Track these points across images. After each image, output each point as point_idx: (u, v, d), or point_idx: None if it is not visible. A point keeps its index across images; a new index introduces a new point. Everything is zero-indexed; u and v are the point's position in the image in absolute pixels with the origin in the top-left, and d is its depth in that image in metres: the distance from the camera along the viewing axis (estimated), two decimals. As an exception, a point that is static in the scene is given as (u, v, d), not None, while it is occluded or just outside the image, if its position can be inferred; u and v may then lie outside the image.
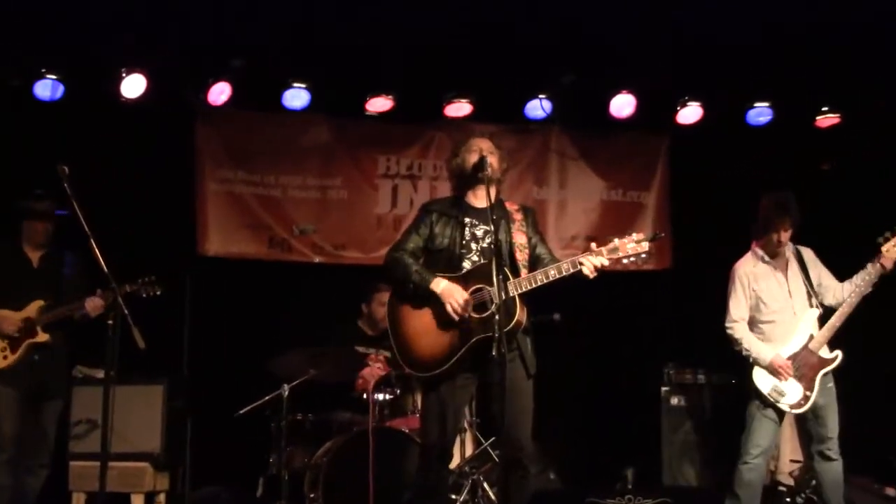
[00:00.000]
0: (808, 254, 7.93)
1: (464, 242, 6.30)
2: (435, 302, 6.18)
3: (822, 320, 7.73)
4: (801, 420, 7.84)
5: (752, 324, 7.87)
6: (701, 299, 8.31)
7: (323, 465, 8.05)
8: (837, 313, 7.66)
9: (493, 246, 6.06)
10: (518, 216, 6.44)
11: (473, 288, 6.10)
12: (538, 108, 10.33)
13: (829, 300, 7.81)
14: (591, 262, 6.04)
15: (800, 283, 7.81)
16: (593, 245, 6.12)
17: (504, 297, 5.84)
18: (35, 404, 7.75)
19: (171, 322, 9.37)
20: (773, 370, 7.63)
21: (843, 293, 7.75)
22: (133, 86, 9.40)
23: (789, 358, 7.64)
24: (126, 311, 6.40)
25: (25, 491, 7.76)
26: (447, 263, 6.26)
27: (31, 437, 7.75)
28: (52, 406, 7.88)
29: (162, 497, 8.89)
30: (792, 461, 9.01)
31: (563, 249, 10.40)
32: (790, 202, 7.70)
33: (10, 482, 7.68)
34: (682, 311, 10.14)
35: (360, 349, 8.67)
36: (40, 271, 7.94)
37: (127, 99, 9.43)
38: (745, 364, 7.75)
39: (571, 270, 6.06)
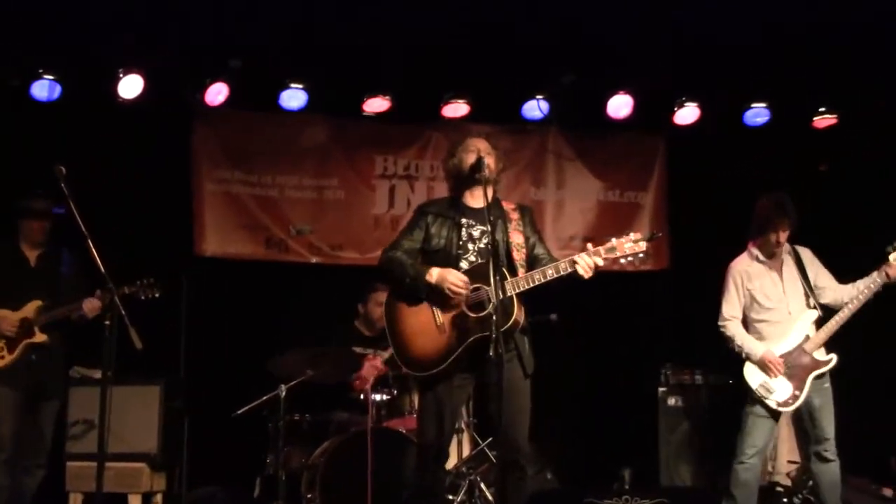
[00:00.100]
0: (805, 254, 7.93)
1: (460, 243, 6.30)
2: (432, 301, 6.18)
3: (821, 322, 7.74)
4: (797, 421, 7.84)
5: (748, 323, 7.87)
6: (698, 300, 8.31)
7: (320, 465, 8.05)
8: (836, 318, 7.67)
9: (490, 246, 6.06)
10: (515, 215, 6.44)
11: (471, 287, 6.10)
12: (535, 108, 10.32)
13: (826, 299, 7.81)
14: (586, 262, 6.05)
15: (796, 283, 7.81)
16: (589, 245, 6.12)
17: (501, 297, 5.84)
18: (32, 404, 7.76)
19: (168, 322, 9.36)
20: (764, 365, 7.64)
21: (843, 295, 7.75)
22: (130, 86, 9.39)
23: (782, 356, 7.64)
24: (123, 312, 6.40)
25: (22, 491, 7.78)
26: (444, 264, 6.24)
27: (29, 438, 7.76)
28: (50, 406, 7.89)
29: (159, 497, 8.88)
30: (789, 462, 9.03)
31: (560, 250, 10.39)
32: (788, 203, 7.70)
33: (7, 482, 7.69)
34: (679, 312, 10.15)
35: (358, 349, 8.67)
36: (38, 271, 7.95)
37: (124, 99, 9.42)
38: (740, 363, 7.76)
39: (569, 270, 6.06)
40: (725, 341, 7.85)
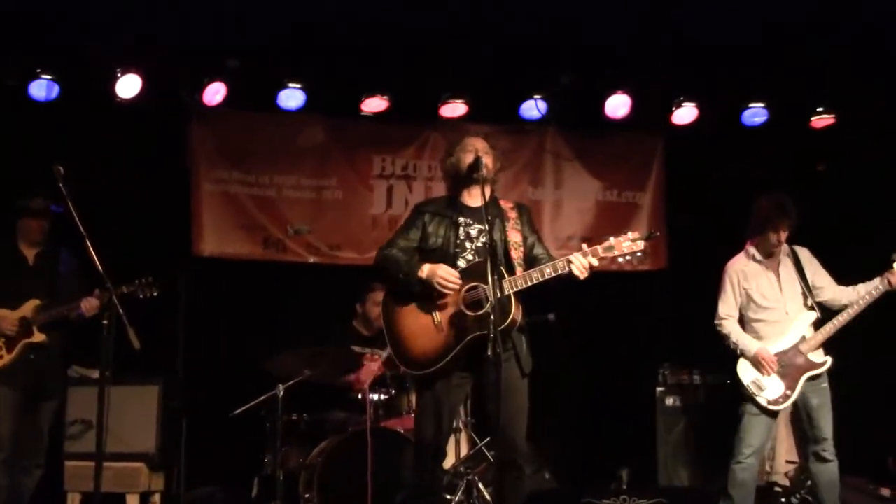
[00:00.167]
0: (804, 254, 7.93)
1: (458, 242, 6.30)
2: (430, 299, 6.18)
3: (819, 324, 7.74)
4: (796, 421, 7.85)
5: (745, 322, 7.88)
6: (696, 300, 8.31)
7: (318, 465, 8.06)
8: (834, 321, 7.68)
9: (487, 245, 6.05)
10: (513, 214, 6.44)
11: (469, 286, 6.10)
12: (533, 108, 10.32)
13: (824, 297, 7.82)
14: (581, 263, 6.06)
15: (794, 283, 7.82)
16: (584, 245, 6.12)
17: (499, 296, 5.85)
18: (31, 404, 7.75)
19: (166, 322, 9.36)
20: (757, 362, 7.65)
21: (841, 296, 7.77)
22: (128, 86, 9.39)
23: (777, 355, 7.65)
24: (121, 312, 6.41)
25: (21, 491, 7.76)
26: (441, 262, 6.24)
27: (27, 437, 7.75)
28: (48, 406, 7.88)
29: (157, 497, 8.89)
30: (787, 462, 9.03)
31: (558, 250, 10.37)
32: (788, 203, 7.71)
33: (6, 482, 7.68)
34: (677, 312, 10.15)
35: (356, 349, 8.67)
36: (36, 269, 7.93)
37: (122, 99, 9.42)
38: (736, 361, 7.77)
39: (567, 269, 6.07)
40: (721, 339, 7.87)
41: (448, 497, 8.08)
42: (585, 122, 10.69)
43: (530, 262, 6.31)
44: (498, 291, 5.85)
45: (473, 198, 6.37)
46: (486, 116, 10.09)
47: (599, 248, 6.12)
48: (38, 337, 7.72)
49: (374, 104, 10.13)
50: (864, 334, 7.94)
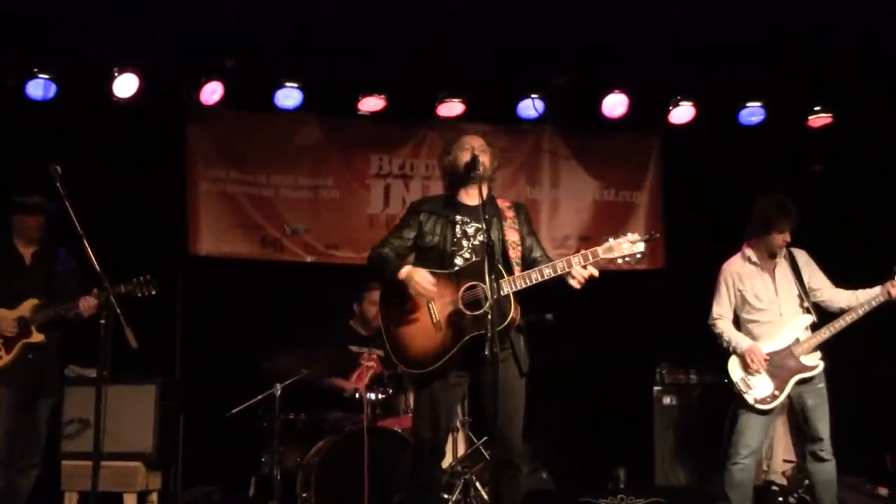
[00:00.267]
0: (801, 256, 7.94)
1: (454, 240, 6.29)
2: (428, 300, 6.16)
3: (814, 328, 7.75)
4: (793, 420, 7.86)
5: (740, 323, 7.91)
6: (694, 299, 8.31)
7: (315, 464, 8.06)
8: (830, 326, 7.68)
9: (484, 244, 6.05)
10: (510, 213, 6.44)
11: (467, 285, 6.09)
12: (530, 107, 10.32)
13: (820, 299, 7.84)
14: (579, 275, 6.08)
15: (790, 285, 7.83)
16: (578, 259, 6.10)
17: (497, 295, 5.84)
18: (29, 403, 7.74)
19: (164, 322, 9.38)
20: (747, 359, 7.65)
21: (838, 299, 7.78)
22: (125, 85, 9.38)
23: (769, 354, 7.67)
24: (118, 311, 6.40)
25: (17, 492, 7.75)
26: (439, 261, 6.25)
27: (24, 437, 7.73)
28: (45, 404, 7.87)
29: (154, 496, 8.87)
30: (785, 461, 9.03)
31: (555, 249, 10.42)
32: (789, 203, 7.73)
33: (2, 483, 7.67)
34: (674, 311, 10.14)
35: (354, 349, 8.67)
36: (33, 268, 7.91)
37: (119, 98, 9.41)
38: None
39: (567, 269, 6.07)
40: (715, 338, 7.90)
41: (445, 496, 8.08)
42: (583, 122, 10.69)
43: (529, 264, 6.30)
44: (496, 291, 5.84)
45: (471, 196, 6.35)
46: (484, 115, 10.09)
47: (599, 250, 6.11)
48: (37, 337, 7.70)
49: (371, 103, 10.13)
50: (863, 335, 7.93)
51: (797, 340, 7.69)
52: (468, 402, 8.35)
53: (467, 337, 6.04)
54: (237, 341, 9.72)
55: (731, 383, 7.72)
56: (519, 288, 6.09)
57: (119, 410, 8.15)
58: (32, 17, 8.56)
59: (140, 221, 9.63)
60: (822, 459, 7.64)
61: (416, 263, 6.36)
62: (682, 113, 10.35)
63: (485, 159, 6.28)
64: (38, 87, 9.29)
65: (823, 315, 7.81)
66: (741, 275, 7.89)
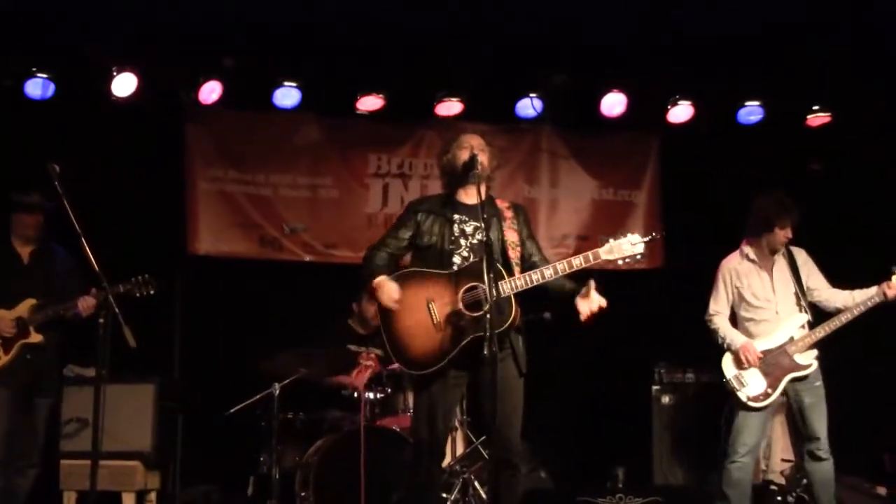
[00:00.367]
0: (800, 255, 7.95)
1: (452, 238, 6.28)
2: (429, 298, 6.15)
3: (810, 327, 7.75)
4: (791, 419, 7.86)
5: (737, 321, 7.92)
6: (692, 298, 8.30)
7: (313, 463, 8.06)
8: (825, 325, 7.68)
9: (483, 243, 6.04)
10: (509, 213, 6.43)
11: (467, 286, 6.08)
12: (529, 106, 10.32)
13: (817, 298, 7.85)
14: (588, 309, 6.21)
15: (787, 284, 7.83)
16: (586, 254, 6.12)
17: (497, 295, 5.84)
18: (27, 403, 7.72)
19: (162, 321, 9.38)
20: (741, 355, 7.66)
21: (835, 299, 7.79)
22: (124, 84, 9.38)
23: (763, 352, 7.67)
24: (117, 310, 6.40)
25: (16, 492, 7.73)
26: (436, 260, 6.25)
27: (23, 438, 7.72)
28: (44, 403, 7.85)
29: (153, 496, 8.89)
30: (783, 460, 9.04)
31: (554, 249, 10.43)
32: (789, 200, 7.73)
33: (1, 483, 7.66)
34: (673, 311, 10.14)
35: (352, 348, 8.67)
36: (31, 268, 7.89)
37: (118, 97, 9.41)
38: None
39: (568, 271, 6.10)
40: (711, 335, 7.90)
41: (444, 496, 8.07)
42: (581, 121, 10.69)
43: (528, 267, 6.28)
44: (495, 290, 5.83)
45: (469, 195, 6.33)
46: (483, 115, 10.08)
47: (601, 252, 6.14)
48: (35, 337, 7.69)
49: (370, 102, 10.13)
50: (862, 334, 7.94)
51: (792, 339, 7.69)
52: (467, 402, 8.35)
53: (467, 339, 6.02)
54: (236, 341, 9.72)
55: (725, 381, 7.72)
56: (519, 289, 6.09)
57: (118, 410, 8.15)
58: (31, 17, 8.56)
59: (139, 221, 9.63)
60: (820, 459, 7.64)
61: (414, 262, 6.36)
62: (681, 112, 10.35)
63: (483, 158, 6.27)
64: (37, 87, 9.29)
65: (819, 314, 7.82)
66: (739, 272, 7.90)
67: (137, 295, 7.49)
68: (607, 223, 10.71)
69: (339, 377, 8.79)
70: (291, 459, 8.49)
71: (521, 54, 9.51)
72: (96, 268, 6.47)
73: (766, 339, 7.72)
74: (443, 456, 6.51)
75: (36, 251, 7.93)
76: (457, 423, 8.40)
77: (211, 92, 9.72)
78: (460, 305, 6.07)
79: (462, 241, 6.27)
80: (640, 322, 10.39)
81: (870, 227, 10.03)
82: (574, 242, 10.76)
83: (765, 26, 8.89)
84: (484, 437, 8.23)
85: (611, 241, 6.18)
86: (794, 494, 8.65)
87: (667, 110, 10.35)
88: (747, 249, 7.91)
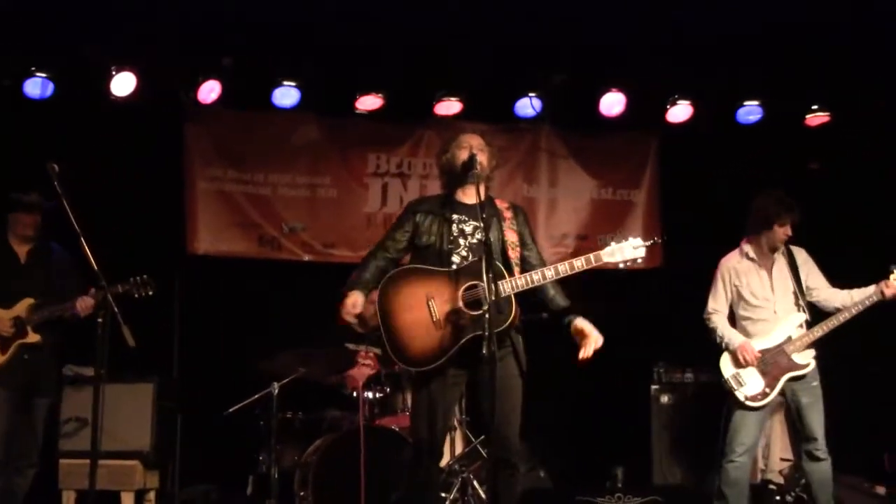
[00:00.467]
0: (800, 255, 7.95)
1: (451, 238, 6.26)
2: (428, 296, 6.15)
3: (808, 326, 7.75)
4: (790, 419, 7.86)
5: (735, 320, 7.93)
6: (691, 298, 8.30)
7: (312, 463, 8.06)
8: (823, 325, 7.68)
9: (482, 243, 6.04)
10: (508, 214, 6.42)
11: (468, 284, 6.07)
12: (528, 106, 10.33)
13: (816, 298, 7.85)
14: (590, 350, 6.32)
15: (786, 283, 7.83)
16: (588, 257, 6.13)
17: (497, 295, 5.83)
18: (25, 403, 7.71)
19: (161, 320, 9.38)
20: (739, 354, 7.66)
21: (834, 299, 7.78)
22: (123, 84, 9.38)
23: (761, 352, 7.67)
24: (116, 310, 6.39)
25: (15, 492, 7.72)
26: (435, 260, 6.23)
27: (21, 438, 7.71)
28: (42, 403, 7.83)
29: (152, 495, 8.89)
30: (782, 459, 9.04)
31: (553, 248, 10.45)
32: (788, 198, 7.74)
33: (0, 483, 7.67)
34: (672, 310, 10.14)
35: (350, 346, 8.66)
36: (28, 267, 7.87)
37: (117, 97, 9.41)
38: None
39: (569, 272, 6.10)
40: (709, 333, 7.91)
41: (443, 495, 8.08)
42: (580, 121, 10.69)
43: (526, 271, 6.28)
44: (495, 290, 5.82)
45: (468, 195, 6.32)
46: (482, 114, 10.07)
47: (602, 255, 6.16)
48: (33, 337, 7.67)
49: (369, 102, 10.13)
50: (860, 333, 7.94)
51: (790, 338, 7.69)
52: (466, 401, 8.35)
53: (467, 337, 6.01)
54: (235, 340, 9.72)
55: (723, 380, 7.72)
56: (520, 289, 6.08)
57: (117, 409, 8.18)
58: (30, 17, 8.56)
59: (138, 220, 9.63)
60: (818, 458, 7.64)
61: (414, 262, 6.36)
62: (680, 112, 10.36)
63: (482, 158, 6.26)
64: (36, 86, 9.29)
65: (818, 313, 7.82)
66: (738, 271, 7.90)
67: (136, 296, 7.48)
68: (606, 222, 10.73)
69: (338, 375, 8.79)
70: (290, 459, 8.50)
71: (520, 54, 9.51)
72: (95, 267, 6.46)
73: (764, 339, 7.72)
74: (441, 455, 6.51)
75: (33, 250, 7.91)
76: (456, 423, 8.41)
77: (210, 91, 9.72)
78: (460, 304, 6.06)
79: (461, 241, 6.26)
80: (639, 322, 10.38)
81: (869, 226, 10.03)
82: (573, 242, 10.76)
83: (764, 26, 8.89)
84: (483, 437, 8.23)
85: (613, 243, 6.19)
86: (792, 494, 8.65)
87: (666, 110, 10.35)
88: (747, 248, 7.91)
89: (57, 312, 7.64)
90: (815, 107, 10.36)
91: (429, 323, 6.10)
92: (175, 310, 9.77)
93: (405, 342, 6.15)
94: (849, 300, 7.72)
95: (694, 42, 9.15)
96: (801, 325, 7.74)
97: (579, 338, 6.34)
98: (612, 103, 10.25)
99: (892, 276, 7.61)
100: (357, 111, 10.24)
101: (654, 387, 9.63)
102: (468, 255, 6.21)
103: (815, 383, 7.70)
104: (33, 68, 9.23)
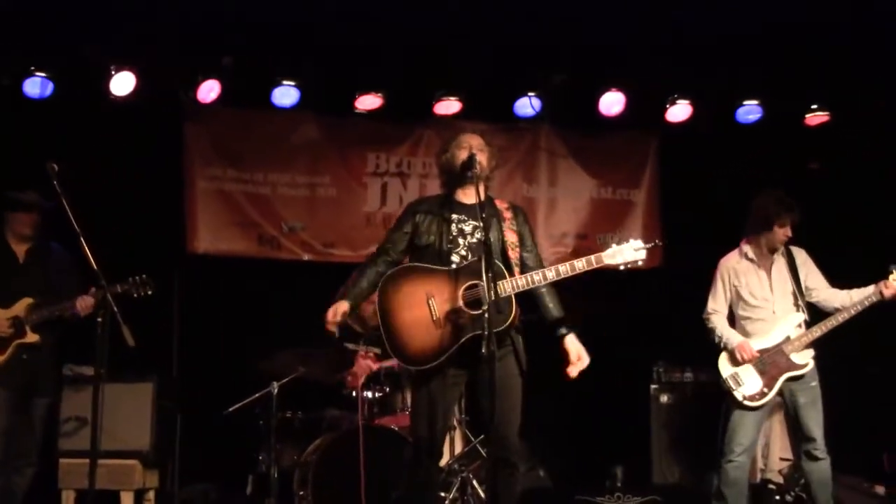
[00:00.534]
0: (800, 255, 7.95)
1: (451, 237, 6.26)
2: (429, 294, 6.14)
3: (806, 326, 7.75)
4: (789, 418, 7.87)
5: (734, 320, 7.93)
6: (691, 298, 8.30)
7: (312, 462, 8.06)
8: (822, 325, 7.68)
9: (482, 242, 6.04)
10: (508, 214, 6.42)
11: (469, 283, 6.07)
12: (528, 105, 10.32)
13: (815, 299, 7.85)
14: (575, 372, 6.34)
15: (785, 283, 7.83)
16: (589, 258, 6.13)
17: (496, 295, 5.83)
18: (24, 403, 7.70)
19: (161, 320, 9.38)
20: (737, 353, 7.66)
21: (834, 299, 7.78)
22: (122, 83, 9.38)
23: (759, 351, 7.67)
24: (115, 309, 6.39)
25: (14, 491, 7.72)
26: (434, 259, 6.23)
27: (20, 437, 7.70)
28: (41, 403, 7.81)
29: (151, 494, 8.90)
30: (781, 459, 9.04)
31: (552, 247, 10.46)
32: (788, 198, 7.74)
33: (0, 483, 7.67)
34: (671, 310, 10.15)
35: (350, 346, 8.66)
36: (26, 266, 7.84)
37: (116, 96, 9.41)
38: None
39: (570, 273, 6.10)
40: (708, 333, 7.91)
41: (443, 494, 8.08)
42: (580, 120, 10.69)
43: (524, 272, 6.29)
44: (494, 289, 5.82)
45: (468, 195, 6.32)
46: (481, 114, 10.07)
47: (604, 256, 6.19)
48: (32, 337, 7.65)
49: (368, 101, 10.13)
50: (859, 333, 7.94)
51: (788, 338, 7.69)
52: (465, 401, 8.35)
53: (467, 336, 6.01)
54: (234, 339, 9.71)
55: (721, 379, 7.72)
56: (520, 289, 6.09)
57: (116, 409, 8.18)
58: (30, 16, 8.56)
59: (137, 219, 9.63)
60: (816, 458, 7.63)
61: (413, 261, 6.36)
62: (679, 111, 10.36)
63: (482, 158, 6.26)
64: (35, 86, 9.29)
65: (817, 314, 7.82)
66: (737, 271, 7.90)
67: (135, 295, 7.46)
68: (606, 222, 10.74)
69: (338, 374, 8.80)
70: (290, 458, 8.50)
71: (520, 54, 9.51)
72: (95, 267, 6.46)
73: (763, 339, 7.72)
74: (440, 454, 6.51)
75: (32, 249, 7.89)
76: (455, 422, 8.41)
77: (209, 91, 9.72)
78: (460, 303, 6.06)
79: (460, 240, 6.26)
80: (638, 321, 10.40)
81: (869, 226, 10.03)
82: (573, 241, 10.77)
83: (764, 26, 8.89)
84: (482, 436, 8.23)
85: (614, 245, 6.21)
86: (792, 494, 8.65)
87: (665, 109, 10.35)
88: (746, 248, 7.91)
89: (56, 312, 7.62)
90: (814, 106, 10.35)
91: (429, 321, 6.10)
92: (175, 309, 9.77)
93: (405, 340, 6.15)
94: (848, 301, 7.71)
95: (694, 42, 9.15)
96: (799, 325, 7.75)
97: (567, 356, 6.33)
98: (612, 103, 10.25)
99: (891, 277, 7.60)
100: (357, 111, 10.24)
101: (653, 386, 9.64)
102: (467, 255, 6.21)
103: (814, 383, 7.70)
104: (33, 68, 9.23)
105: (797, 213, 7.74)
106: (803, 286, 7.82)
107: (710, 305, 7.96)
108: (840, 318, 7.66)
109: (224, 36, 9.21)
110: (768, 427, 8.82)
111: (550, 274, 6.10)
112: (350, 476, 7.76)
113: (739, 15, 8.73)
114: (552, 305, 6.35)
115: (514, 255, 6.27)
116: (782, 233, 7.76)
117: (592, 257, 6.15)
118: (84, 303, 7.50)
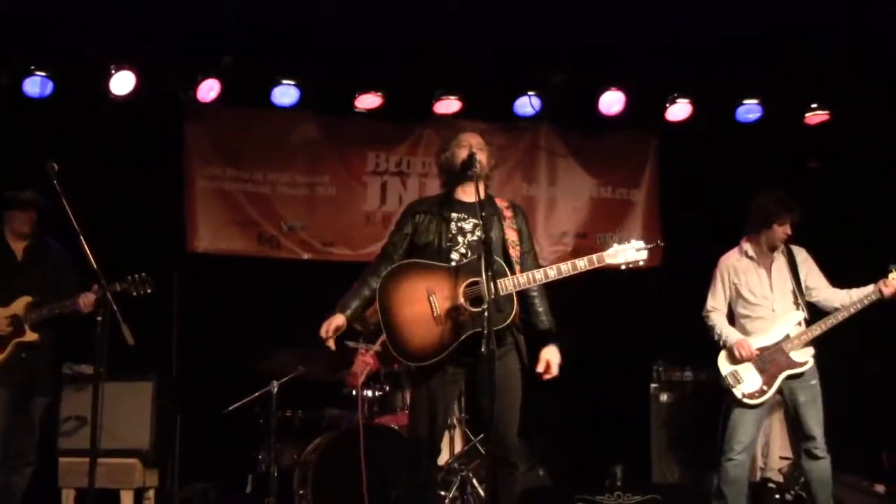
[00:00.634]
0: (800, 254, 7.95)
1: (450, 236, 6.25)
2: (430, 291, 6.13)
3: (806, 325, 7.75)
4: (788, 417, 7.87)
5: (734, 318, 7.93)
6: (690, 297, 8.31)
7: (312, 461, 8.06)
8: (821, 323, 7.69)
9: (482, 241, 6.03)
10: (508, 213, 6.42)
11: (469, 281, 6.06)
12: (527, 105, 10.32)
13: (815, 298, 7.85)
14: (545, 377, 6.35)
15: (785, 282, 7.84)
16: (590, 257, 6.14)
17: (496, 293, 5.82)
18: (23, 402, 7.70)
19: (161, 319, 9.37)
20: (735, 350, 7.67)
21: (833, 298, 7.78)
22: (122, 83, 9.38)
23: (759, 349, 7.68)
24: (115, 308, 6.39)
25: (13, 490, 7.72)
26: (434, 257, 6.22)
27: (19, 436, 7.71)
28: (40, 402, 7.82)
29: (151, 493, 8.89)
30: (781, 458, 9.04)
31: (552, 246, 10.47)
32: (788, 197, 7.75)
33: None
34: (671, 310, 10.15)
35: (350, 344, 8.66)
36: (25, 264, 7.85)
37: (116, 96, 9.41)
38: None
39: (571, 272, 6.09)
40: (707, 331, 7.92)
41: (442, 493, 8.08)
42: (579, 119, 10.69)
43: (523, 271, 6.29)
44: (493, 287, 5.81)
45: (467, 194, 6.32)
46: (481, 113, 10.07)
47: (605, 256, 6.19)
48: (31, 336, 7.65)
49: (368, 101, 10.13)
50: (859, 331, 7.94)
51: (788, 336, 7.69)
52: (465, 400, 8.35)
53: (467, 333, 6.01)
54: (234, 339, 9.72)
55: (720, 378, 7.73)
56: (521, 287, 6.09)
57: (116, 408, 8.18)
58: (30, 16, 8.56)
59: (137, 219, 9.63)
60: (816, 457, 7.63)
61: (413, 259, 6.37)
62: (679, 110, 10.36)
63: (482, 157, 6.26)
64: (35, 85, 9.29)
65: (817, 312, 7.82)
66: (737, 269, 7.91)
67: (134, 294, 7.46)
68: (606, 221, 10.74)
69: (338, 373, 8.80)
70: (290, 457, 8.51)
71: (520, 53, 9.51)
72: (94, 265, 6.46)
73: (763, 337, 7.72)
74: (439, 452, 6.50)
75: (30, 247, 7.90)
76: (455, 421, 8.41)
77: (209, 90, 9.72)
78: (461, 300, 6.05)
79: (460, 239, 6.26)
80: (638, 321, 10.39)
81: (868, 225, 10.03)
82: (572, 241, 10.77)
83: (764, 26, 8.89)
84: (482, 435, 8.22)
85: (615, 245, 6.21)
86: (792, 492, 8.65)
87: (665, 109, 10.35)
88: (746, 246, 7.92)
89: (56, 310, 7.62)
90: (814, 106, 10.35)
91: (429, 318, 6.10)
92: (174, 308, 9.76)
93: (405, 337, 6.14)
94: (848, 300, 7.72)
95: (693, 41, 9.15)
96: (799, 323, 7.75)
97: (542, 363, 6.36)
98: (612, 102, 10.25)
99: (890, 276, 7.61)
100: (356, 110, 10.24)
101: (653, 385, 9.64)
102: (467, 253, 6.20)
103: (814, 381, 7.70)
104: (33, 67, 9.23)
105: (797, 213, 7.75)
106: (803, 285, 7.83)
107: (710, 303, 7.97)
108: (840, 317, 7.66)
109: (224, 36, 9.21)
110: (768, 425, 8.82)
111: (552, 272, 6.10)
112: (350, 475, 7.74)
113: (739, 15, 8.73)
114: (544, 317, 6.40)
115: (514, 253, 6.27)
116: (782, 231, 7.77)
117: (594, 257, 6.15)
118: (86, 300, 7.50)
